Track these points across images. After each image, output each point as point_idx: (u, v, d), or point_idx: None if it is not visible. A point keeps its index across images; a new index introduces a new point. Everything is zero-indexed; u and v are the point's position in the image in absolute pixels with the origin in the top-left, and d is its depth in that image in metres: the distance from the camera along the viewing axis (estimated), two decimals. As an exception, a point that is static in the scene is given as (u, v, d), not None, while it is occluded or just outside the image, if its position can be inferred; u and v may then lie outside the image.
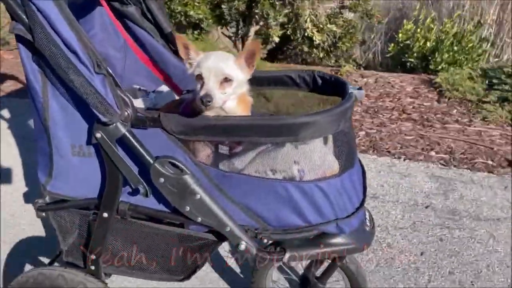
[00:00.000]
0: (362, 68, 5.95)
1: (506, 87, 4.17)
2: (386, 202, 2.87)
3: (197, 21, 5.41)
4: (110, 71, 1.24)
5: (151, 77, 1.80)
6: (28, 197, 2.87)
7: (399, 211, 2.79)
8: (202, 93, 1.25)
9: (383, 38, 6.58)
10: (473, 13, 5.86)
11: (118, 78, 1.32)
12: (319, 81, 1.54)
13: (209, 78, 1.28)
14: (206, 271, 2.26)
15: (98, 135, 1.24)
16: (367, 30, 6.75)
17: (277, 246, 1.38)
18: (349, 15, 5.98)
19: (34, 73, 1.25)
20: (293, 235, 1.33)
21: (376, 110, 4.27)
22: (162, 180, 1.26)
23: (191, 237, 1.41)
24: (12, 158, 3.32)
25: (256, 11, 5.19)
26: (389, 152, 3.54)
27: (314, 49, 5.83)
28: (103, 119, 1.20)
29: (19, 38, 1.20)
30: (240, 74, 1.34)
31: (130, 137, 1.25)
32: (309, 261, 1.73)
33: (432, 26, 5.33)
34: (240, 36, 5.84)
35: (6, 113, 4.05)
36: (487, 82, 4.42)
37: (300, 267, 2.01)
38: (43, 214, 1.49)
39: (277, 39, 5.43)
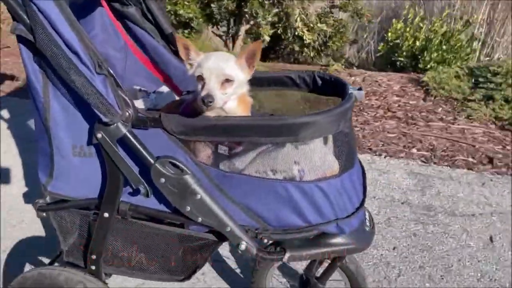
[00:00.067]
0: (355, 68, 5.97)
1: (491, 86, 4.22)
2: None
3: (187, 20, 5.40)
4: (111, 71, 1.25)
5: (151, 78, 1.80)
6: (28, 197, 2.87)
7: (375, 207, 2.82)
8: (203, 93, 1.26)
9: (377, 38, 6.61)
10: (464, 12, 5.89)
11: (119, 78, 1.31)
12: (319, 81, 1.54)
13: (210, 78, 1.28)
14: (206, 271, 2.26)
15: (99, 135, 1.24)
16: (360, 29, 6.77)
17: (277, 246, 1.39)
18: (339, 14, 6.01)
19: (35, 74, 1.25)
20: (293, 235, 1.33)
21: (361, 108, 4.29)
22: (162, 180, 1.26)
23: (192, 237, 1.42)
24: (12, 158, 3.32)
25: (246, 10, 5.20)
26: (370, 149, 3.57)
27: (305, 48, 5.84)
28: (104, 119, 1.20)
29: (20, 39, 1.20)
30: (241, 75, 1.34)
31: (131, 137, 1.25)
32: (309, 261, 1.74)
33: (422, 25, 5.37)
34: (230, 35, 5.85)
35: (5, 113, 4.05)
36: (473, 80, 4.46)
37: (300, 267, 2.01)
38: (44, 214, 1.49)
39: (267, 38, 5.45)
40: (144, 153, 1.26)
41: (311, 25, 5.48)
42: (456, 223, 2.67)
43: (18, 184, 3.03)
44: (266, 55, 6.39)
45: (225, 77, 1.29)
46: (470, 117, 3.98)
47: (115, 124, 1.23)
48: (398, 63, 5.48)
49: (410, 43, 5.33)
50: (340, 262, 1.63)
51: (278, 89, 1.63)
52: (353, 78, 5.04)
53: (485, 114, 3.97)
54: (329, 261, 1.65)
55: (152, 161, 1.26)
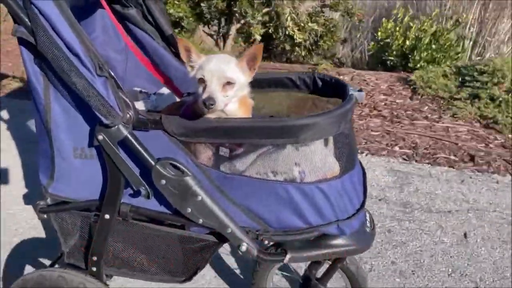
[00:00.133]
0: (347, 67, 5.98)
1: (478, 84, 4.23)
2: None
3: (178, 20, 5.37)
4: (112, 73, 1.25)
5: (151, 80, 1.80)
6: (28, 198, 2.87)
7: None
8: (204, 96, 1.26)
9: (370, 37, 6.62)
10: (455, 12, 5.91)
11: (119, 80, 1.32)
12: (319, 83, 1.55)
13: (212, 81, 1.28)
14: (207, 272, 2.26)
15: (100, 137, 1.24)
16: (354, 29, 6.78)
17: (278, 247, 1.39)
18: (331, 14, 6.02)
19: (36, 76, 1.25)
20: (294, 236, 1.34)
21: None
22: (163, 181, 1.27)
23: (192, 239, 1.42)
24: (11, 159, 3.32)
25: (235, 9, 5.19)
26: (353, 147, 3.59)
27: (296, 48, 5.85)
28: (105, 121, 1.21)
29: (22, 41, 1.20)
30: (242, 77, 1.34)
31: (132, 139, 1.25)
32: (309, 262, 1.74)
33: (412, 24, 5.38)
34: (221, 34, 5.84)
35: (5, 113, 4.05)
36: (460, 79, 4.48)
37: (301, 268, 2.01)
38: (45, 215, 1.49)
39: (259, 38, 5.43)
40: (145, 154, 1.27)
41: (302, 24, 5.48)
42: (432, 219, 2.69)
43: (18, 185, 3.02)
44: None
45: (227, 80, 1.29)
46: (455, 116, 4.00)
47: (116, 126, 1.23)
48: (388, 62, 5.50)
49: (400, 42, 5.35)
50: (340, 263, 1.63)
51: (279, 91, 1.63)
52: (341, 77, 5.04)
53: (470, 112, 4.00)
54: (329, 262, 1.66)
55: (153, 162, 1.26)
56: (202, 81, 1.29)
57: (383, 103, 4.33)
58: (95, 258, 1.49)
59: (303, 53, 5.93)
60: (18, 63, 5.22)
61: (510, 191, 2.99)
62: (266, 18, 5.45)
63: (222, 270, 2.29)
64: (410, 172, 3.20)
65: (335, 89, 1.46)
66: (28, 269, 2.22)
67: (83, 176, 1.38)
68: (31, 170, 3.09)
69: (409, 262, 2.36)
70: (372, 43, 5.85)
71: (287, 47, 5.85)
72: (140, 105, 1.72)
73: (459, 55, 5.30)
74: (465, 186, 3.03)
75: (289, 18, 5.36)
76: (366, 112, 4.16)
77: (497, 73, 4.20)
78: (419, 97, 4.38)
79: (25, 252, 2.41)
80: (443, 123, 3.92)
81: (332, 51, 6.35)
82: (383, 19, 5.77)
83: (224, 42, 5.86)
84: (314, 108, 1.58)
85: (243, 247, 1.32)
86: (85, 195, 1.42)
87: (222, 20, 5.69)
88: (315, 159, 1.29)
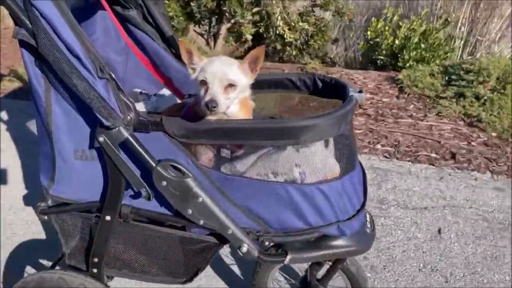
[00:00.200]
0: (339, 67, 5.99)
1: (463, 83, 4.25)
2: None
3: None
4: (113, 75, 1.25)
5: (152, 81, 1.80)
6: (28, 199, 2.87)
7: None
8: (207, 98, 1.25)
9: (362, 37, 6.63)
10: (446, 12, 5.93)
11: (120, 81, 1.32)
12: (320, 84, 1.55)
13: (214, 83, 1.28)
14: (207, 272, 2.26)
15: (101, 139, 1.25)
16: (347, 28, 6.78)
17: (278, 248, 1.39)
18: (322, 13, 6.02)
19: (37, 78, 1.26)
20: (294, 237, 1.34)
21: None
22: (164, 183, 1.27)
23: (193, 240, 1.42)
24: (11, 159, 3.32)
25: (225, 8, 5.19)
26: (334, 145, 3.61)
27: (287, 47, 5.84)
28: (106, 123, 1.21)
29: (23, 43, 1.20)
30: (244, 79, 1.34)
31: (133, 141, 1.26)
32: (310, 263, 1.74)
33: (401, 24, 5.40)
34: (212, 34, 5.83)
35: (4, 114, 4.04)
36: (446, 78, 4.50)
37: (301, 269, 2.01)
38: (45, 217, 1.49)
39: (249, 37, 5.42)
40: (146, 156, 1.27)
41: (293, 24, 5.48)
42: (407, 216, 2.71)
43: (18, 186, 3.02)
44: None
45: (229, 82, 1.29)
46: (440, 114, 4.03)
47: (117, 128, 1.23)
48: (378, 61, 5.52)
49: (390, 41, 5.37)
50: (341, 264, 1.63)
51: (279, 92, 1.63)
52: (329, 76, 5.07)
53: (454, 111, 4.03)
54: (330, 263, 1.66)
55: (153, 164, 1.26)
56: (204, 83, 1.29)
57: (369, 102, 4.35)
58: (96, 260, 1.49)
59: (294, 53, 5.93)
60: (18, 64, 5.22)
61: (488, 188, 3.01)
62: (257, 17, 5.44)
63: (222, 271, 2.29)
64: (389, 169, 3.22)
65: (335, 90, 1.47)
66: (29, 270, 2.22)
67: (84, 177, 1.38)
68: (31, 171, 3.09)
69: (381, 258, 2.38)
70: (362, 42, 5.86)
71: (278, 47, 5.84)
72: (140, 106, 1.71)
73: (448, 54, 5.32)
74: (443, 183, 3.05)
75: (279, 17, 5.35)
76: (351, 110, 4.22)
77: (483, 72, 4.23)
78: (406, 96, 4.42)
79: (25, 253, 2.41)
80: (427, 121, 3.95)
81: (323, 51, 6.34)
82: (373, 18, 5.79)
83: (215, 41, 5.86)
84: (314, 109, 1.58)
85: (244, 248, 1.33)
86: (86, 197, 1.42)
87: (213, 19, 5.68)
88: (316, 160, 1.29)
